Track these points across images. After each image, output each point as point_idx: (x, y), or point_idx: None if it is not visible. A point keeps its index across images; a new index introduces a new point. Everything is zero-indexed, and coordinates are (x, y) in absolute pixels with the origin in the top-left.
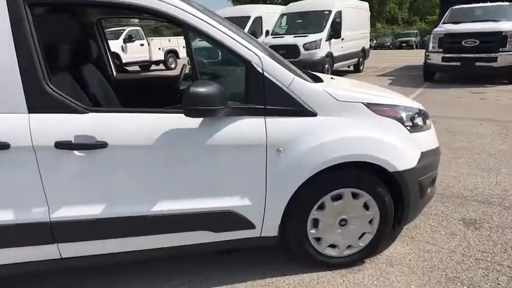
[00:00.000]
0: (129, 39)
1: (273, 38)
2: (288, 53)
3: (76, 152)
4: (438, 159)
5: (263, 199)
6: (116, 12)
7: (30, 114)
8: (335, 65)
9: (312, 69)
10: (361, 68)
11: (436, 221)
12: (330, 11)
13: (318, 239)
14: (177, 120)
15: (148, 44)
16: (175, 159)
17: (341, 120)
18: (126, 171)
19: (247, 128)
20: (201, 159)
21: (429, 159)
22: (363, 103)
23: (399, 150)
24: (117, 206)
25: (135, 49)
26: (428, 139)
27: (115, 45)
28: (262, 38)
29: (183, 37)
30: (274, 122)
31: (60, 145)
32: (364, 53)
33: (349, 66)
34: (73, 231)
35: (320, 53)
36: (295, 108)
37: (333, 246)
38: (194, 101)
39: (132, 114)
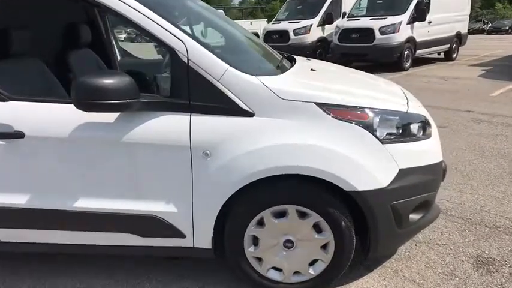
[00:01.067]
0: None
1: (348, 20)
2: (362, 37)
3: None
4: (435, 178)
5: (190, 207)
6: None
7: None
8: (418, 51)
9: (388, 55)
10: (454, 55)
11: (439, 253)
12: None
13: (260, 259)
14: (92, 113)
15: None
16: (91, 155)
17: (283, 123)
18: (44, 164)
19: (168, 125)
20: (118, 157)
21: (415, 179)
22: (315, 103)
23: (359, 164)
24: (37, 198)
25: None
26: (419, 152)
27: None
28: (338, 21)
29: (266, 20)
30: (201, 121)
31: None
32: (459, 39)
33: (439, 54)
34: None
35: (398, 37)
36: (227, 105)
37: (278, 269)
38: (85, 93)
39: (51, 104)
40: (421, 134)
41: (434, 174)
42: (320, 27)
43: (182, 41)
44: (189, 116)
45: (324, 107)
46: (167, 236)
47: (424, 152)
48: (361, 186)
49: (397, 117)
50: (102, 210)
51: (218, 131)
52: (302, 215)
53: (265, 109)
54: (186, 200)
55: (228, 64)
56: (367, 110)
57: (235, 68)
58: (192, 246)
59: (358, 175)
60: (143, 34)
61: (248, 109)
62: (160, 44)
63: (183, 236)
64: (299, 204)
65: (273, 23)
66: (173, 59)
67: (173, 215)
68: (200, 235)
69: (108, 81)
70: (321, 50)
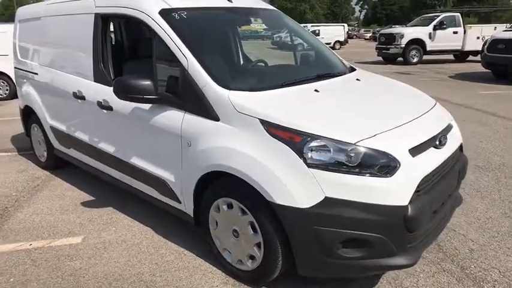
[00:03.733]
0: (440, 26)
1: None
2: None
3: (103, 110)
4: (381, 220)
5: (180, 181)
6: None
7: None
8: None
9: None
10: None
11: None
12: None
13: (219, 239)
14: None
15: (465, 31)
16: (137, 129)
17: (233, 130)
18: (119, 128)
19: (171, 117)
20: (148, 133)
21: (346, 212)
22: (259, 119)
23: (281, 180)
24: (111, 147)
25: (444, 37)
26: (360, 187)
27: (422, 32)
28: None
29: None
30: (189, 118)
31: (98, 103)
32: None
33: None
34: (103, 157)
35: None
36: (205, 110)
37: (230, 252)
38: (118, 88)
39: None
40: (376, 171)
41: (378, 215)
42: None
43: (185, 57)
44: (183, 113)
45: (265, 124)
46: (170, 197)
47: (370, 189)
48: (280, 200)
49: (338, 147)
50: (140, 166)
51: (196, 128)
52: (243, 212)
53: (226, 117)
54: (178, 174)
55: (212, 78)
56: (302, 134)
57: (216, 81)
58: (185, 211)
59: (279, 189)
60: (166, 48)
61: (216, 115)
62: (174, 58)
63: (179, 201)
64: (239, 201)
65: (505, 30)
66: (180, 69)
67: (172, 183)
68: (187, 205)
69: (133, 82)
70: None
